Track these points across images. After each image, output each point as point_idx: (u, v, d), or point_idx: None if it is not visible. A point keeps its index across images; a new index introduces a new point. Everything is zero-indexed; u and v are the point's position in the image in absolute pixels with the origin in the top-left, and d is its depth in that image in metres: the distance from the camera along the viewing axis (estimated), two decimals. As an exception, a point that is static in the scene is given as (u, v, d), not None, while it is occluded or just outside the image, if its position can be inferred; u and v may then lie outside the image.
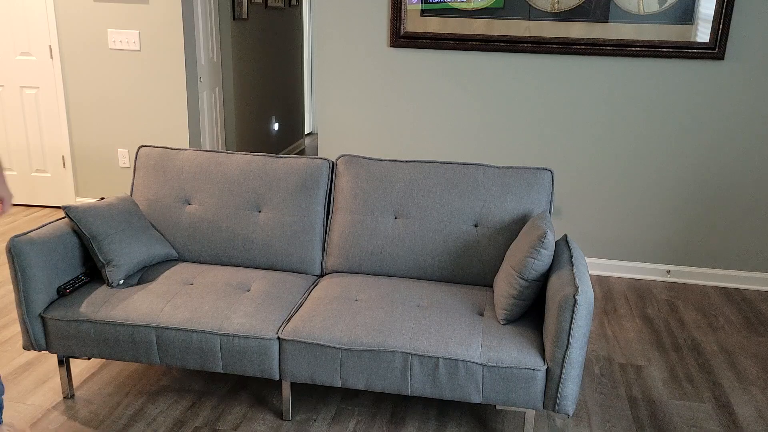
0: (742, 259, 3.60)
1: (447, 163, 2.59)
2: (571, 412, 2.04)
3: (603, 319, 3.18)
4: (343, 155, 2.66)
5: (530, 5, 3.40)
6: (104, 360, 2.67)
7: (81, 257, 2.41)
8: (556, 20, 3.40)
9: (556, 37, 3.42)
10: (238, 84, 5.27)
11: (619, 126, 3.53)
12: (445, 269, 2.52)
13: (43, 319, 2.27)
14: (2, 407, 2.07)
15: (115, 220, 2.41)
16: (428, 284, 2.47)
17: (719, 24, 3.25)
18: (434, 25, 3.53)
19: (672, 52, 3.33)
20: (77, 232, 2.38)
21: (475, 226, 2.52)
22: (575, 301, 1.91)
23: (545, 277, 2.14)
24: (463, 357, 2.04)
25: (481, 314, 2.25)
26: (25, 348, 2.32)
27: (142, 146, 2.72)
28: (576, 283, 1.96)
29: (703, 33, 3.28)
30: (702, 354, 2.87)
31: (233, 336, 2.15)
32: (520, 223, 2.48)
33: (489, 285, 2.51)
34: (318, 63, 3.77)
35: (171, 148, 2.71)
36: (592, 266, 3.76)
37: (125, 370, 2.60)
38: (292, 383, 2.34)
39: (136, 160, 2.73)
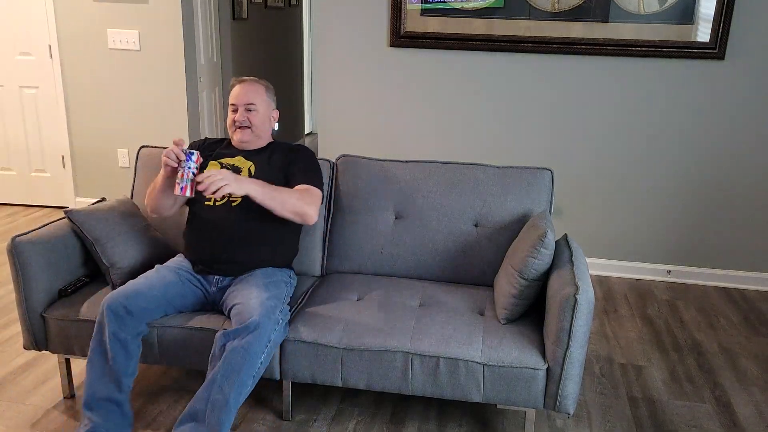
0: (742, 259, 3.60)
1: (447, 163, 2.59)
2: (571, 412, 2.04)
3: (603, 319, 3.18)
4: (343, 155, 2.66)
5: (530, 5, 3.40)
6: (104, 360, 2.66)
7: (81, 257, 2.41)
8: (556, 20, 3.40)
9: (556, 37, 3.42)
10: (238, 84, 5.26)
11: (619, 126, 3.53)
12: (445, 269, 2.52)
13: (43, 318, 2.26)
14: None
15: (117, 223, 2.40)
16: (429, 284, 2.47)
17: (720, 24, 3.25)
18: (434, 25, 3.53)
19: (672, 51, 3.33)
20: (78, 234, 2.38)
21: (476, 225, 2.51)
22: (576, 300, 1.91)
23: (546, 276, 2.14)
24: (463, 356, 2.04)
25: (482, 314, 2.25)
26: (26, 348, 2.32)
27: (143, 147, 2.72)
28: (576, 282, 1.95)
29: (703, 33, 3.28)
30: (702, 354, 2.87)
31: (234, 336, 2.15)
32: (520, 222, 2.48)
33: (489, 285, 2.50)
34: (318, 63, 3.76)
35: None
36: (592, 266, 3.76)
37: (125, 370, 2.60)
38: (292, 383, 2.34)
39: (137, 161, 2.72)
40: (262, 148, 2.42)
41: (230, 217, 2.26)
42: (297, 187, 2.29)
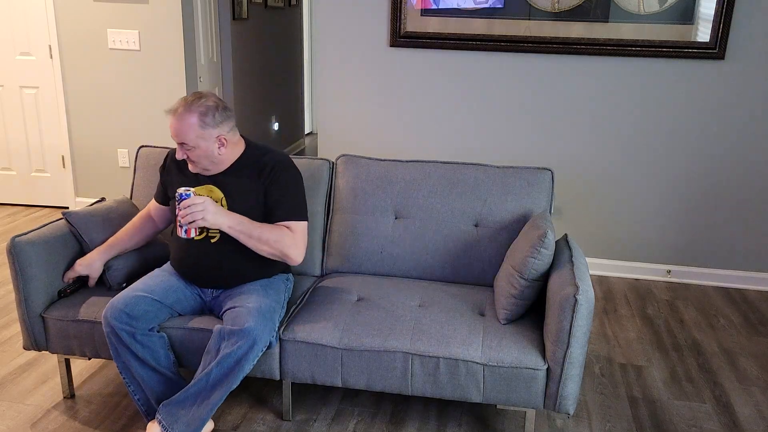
0: (742, 259, 3.60)
1: (447, 163, 2.59)
2: (571, 412, 2.04)
3: (603, 319, 3.17)
4: (343, 155, 2.66)
5: (530, 5, 3.40)
6: (104, 360, 2.67)
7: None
8: (556, 20, 3.40)
9: (556, 37, 3.42)
10: (238, 84, 5.26)
11: (619, 126, 3.53)
12: (445, 269, 2.52)
13: (43, 319, 2.26)
14: None
15: (116, 224, 2.40)
16: (428, 284, 2.47)
17: (719, 24, 3.25)
18: (434, 25, 3.53)
19: (672, 51, 3.33)
20: (77, 236, 2.38)
21: (476, 225, 2.51)
22: (576, 300, 1.91)
23: (546, 276, 2.14)
24: (463, 357, 2.04)
25: (482, 314, 2.25)
26: (26, 348, 2.32)
27: (143, 146, 2.72)
28: (576, 282, 1.95)
29: (703, 33, 3.28)
30: (702, 354, 2.87)
31: (233, 336, 2.14)
32: (520, 222, 2.48)
33: (489, 285, 2.50)
34: (318, 63, 3.76)
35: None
36: (592, 266, 3.76)
37: (125, 370, 2.60)
38: (292, 383, 2.34)
39: (136, 161, 2.72)
40: (227, 168, 2.18)
41: (209, 254, 2.15)
42: (279, 224, 2.14)
